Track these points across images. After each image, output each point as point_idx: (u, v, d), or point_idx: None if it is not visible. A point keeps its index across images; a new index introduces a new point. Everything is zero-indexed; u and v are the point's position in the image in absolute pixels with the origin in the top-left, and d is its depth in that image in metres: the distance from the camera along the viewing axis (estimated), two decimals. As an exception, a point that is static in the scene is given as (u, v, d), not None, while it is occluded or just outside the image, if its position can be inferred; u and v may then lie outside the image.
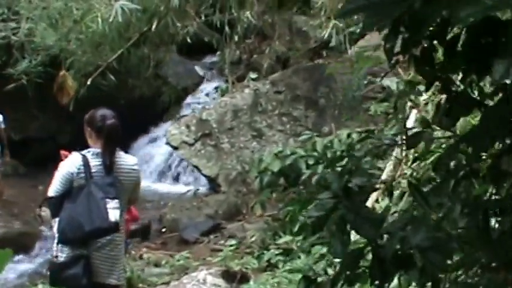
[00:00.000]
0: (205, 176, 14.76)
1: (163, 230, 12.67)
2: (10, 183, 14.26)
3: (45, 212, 12.25)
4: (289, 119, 14.69)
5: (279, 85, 14.93)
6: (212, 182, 14.66)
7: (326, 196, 2.49)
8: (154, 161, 17.01)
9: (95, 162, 5.61)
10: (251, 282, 8.18)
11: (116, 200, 5.54)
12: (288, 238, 10.06)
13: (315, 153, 10.44)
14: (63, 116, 16.95)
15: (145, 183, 16.32)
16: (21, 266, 11.73)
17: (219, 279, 8.28)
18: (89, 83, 12.44)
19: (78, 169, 5.55)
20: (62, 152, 5.95)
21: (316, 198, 2.62)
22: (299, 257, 9.45)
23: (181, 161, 16.28)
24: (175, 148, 14.95)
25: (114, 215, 5.49)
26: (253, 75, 15.74)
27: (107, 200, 5.49)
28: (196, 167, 14.80)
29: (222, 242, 11.70)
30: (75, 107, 15.74)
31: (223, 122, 14.77)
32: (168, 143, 15.22)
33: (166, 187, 16.34)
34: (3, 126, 13.97)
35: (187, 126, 14.85)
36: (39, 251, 12.31)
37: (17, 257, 11.85)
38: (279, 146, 13.90)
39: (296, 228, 9.97)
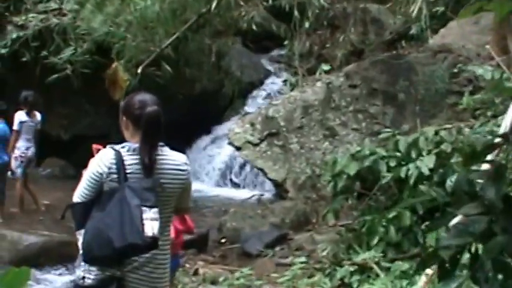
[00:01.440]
0: (271, 180, 13.79)
1: (223, 240, 11.64)
2: (56, 185, 13.32)
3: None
4: (365, 116, 13.68)
5: (354, 78, 13.91)
6: (279, 187, 13.67)
7: (473, 210, 1.36)
8: (214, 163, 16.10)
9: (131, 161, 4.60)
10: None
11: (155, 209, 4.47)
12: (364, 253, 8.96)
13: (398, 154, 9.38)
14: (116, 111, 16.17)
15: (205, 188, 15.59)
16: (62, 279, 10.87)
17: (285, 302, 7.24)
18: (139, 71, 11.59)
19: (110, 169, 4.55)
20: (95, 146, 4.96)
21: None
22: (377, 275, 8.47)
23: (245, 163, 15.30)
24: (238, 149, 13.99)
25: (151, 227, 4.43)
26: (325, 67, 14.64)
27: (144, 208, 4.43)
28: (261, 170, 13.81)
29: (289, 255, 10.61)
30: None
31: (291, 120, 13.80)
32: (230, 143, 14.24)
33: (227, 192, 15.44)
34: (39, 127, 13.11)
35: (252, 125, 13.88)
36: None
37: (58, 270, 11.11)
38: (353, 146, 12.92)
39: (375, 242, 8.87)
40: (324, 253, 9.38)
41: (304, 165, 13.46)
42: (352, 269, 8.66)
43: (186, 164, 4.80)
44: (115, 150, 4.60)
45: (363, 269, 8.75)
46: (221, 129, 16.80)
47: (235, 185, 15.82)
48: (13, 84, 15.89)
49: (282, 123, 13.80)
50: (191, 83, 16.29)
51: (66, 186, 14.66)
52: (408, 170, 8.92)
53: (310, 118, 13.78)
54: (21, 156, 12.83)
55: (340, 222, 10.59)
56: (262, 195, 14.24)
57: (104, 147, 4.83)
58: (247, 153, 13.90)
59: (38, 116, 13.14)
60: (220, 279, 8.85)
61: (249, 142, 13.81)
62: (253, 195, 14.30)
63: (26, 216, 13.11)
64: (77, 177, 14.57)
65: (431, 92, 13.42)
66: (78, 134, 16.73)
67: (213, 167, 15.95)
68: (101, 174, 4.54)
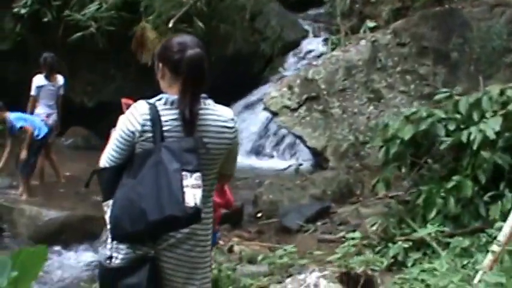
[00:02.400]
0: (310, 148, 12.89)
1: (259, 214, 10.82)
2: (79, 156, 12.60)
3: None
4: (414, 77, 12.76)
5: (402, 35, 12.98)
6: (318, 155, 12.82)
7: None
8: (249, 130, 15.23)
9: (168, 116, 3.86)
10: (381, 291, 6.22)
11: (198, 174, 3.74)
12: (419, 228, 8.10)
13: (457, 116, 8.50)
14: (144, 75, 15.41)
15: (238, 158, 14.71)
16: (85, 256, 10.26)
17: (335, 284, 6.33)
18: (170, 25, 10.75)
19: (143, 126, 3.82)
20: (124, 101, 4.29)
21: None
22: (433, 252, 7.67)
23: (282, 130, 14.44)
24: (275, 114, 13.16)
25: (193, 196, 3.68)
26: (370, 24, 13.65)
27: (184, 173, 3.69)
28: (299, 137, 12.97)
29: (332, 230, 9.78)
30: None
31: (333, 82, 12.93)
32: (266, 109, 13.37)
33: (261, 162, 14.61)
34: (62, 92, 12.26)
35: (290, 88, 13.03)
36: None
37: (80, 246, 10.45)
38: (401, 110, 12.07)
39: (432, 215, 7.99)
40: (374, 228, 8.49)
41: (347, 132, 12.62)
42: (406, 245, 7.82)
43: (233, 120, 4.01)
44: (149, 103, 3.85)
45: (419, 246, 7.93)
46: (255, 94, 15.93)
47: (270, 155, 14.96)
48: (34, 46, 15.16)
49: (323, 86, 12.92)
50: (225, 42, 15.43)
51: (90, 157, 13.80)
52: (470, 134, 8.03)
53: (353, 80, 12.88)
54: None
55: (389, 194, 9.70)
56: (300, 165, 13.39)
57: (135, 101, 4.09)
58: (284, 119, 13.06)
59: (60, 79, 12.34)
60: (259, 257, 7.99)
61: (287, 107, 12.98)
62: (290, 165, 13.47)
63: (46, 189, 12.35)
64: (102, 148, 13.92)
65: (488, 50, 12.49)
66: (103, 101, 15.87)
67: (246, 135, 15.07)
68: (132, 133, 3.82)
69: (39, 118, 11.89)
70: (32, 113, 11.98)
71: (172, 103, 3.83)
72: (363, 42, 13.14)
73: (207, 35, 12.94)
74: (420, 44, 12.77)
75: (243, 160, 14.33)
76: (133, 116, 3.81)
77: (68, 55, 12.98)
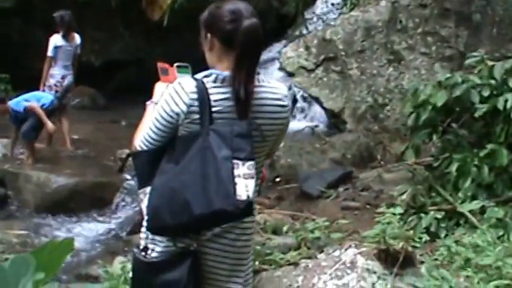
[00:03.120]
0: (326, 109, 12.57)
1: (277, 179, 10.45)
2: (86, 117, 12.19)
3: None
4: (436, 38, 12.37)
5: (423, -3, 12.52)
6: (335, 117, 12.49)
7: None
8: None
9: (219, 95, 3.43)
10: (423, 270, 5.90)
11: (251, 163, 3.33)
12: (450, 197, 7.85)
13: (492, 82, 8.15)
14: (154, 34, 15.12)
15: None
16: (95, 226, 9.76)
17: (374, 262, 6.05)
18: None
19: (190, 106, 3.39)
20: (160, 65, 3.86)
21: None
22: (466, 222, 7.42)
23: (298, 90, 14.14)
24: (291, 75, 12.81)
25: (246, 188, 3.26)
26: (390, -16, 13.26)
27: (236, 162, 3.30)
28: (316, 98, 12.67)
29: (355, 196, 9.52)
30: (170, 22, 13.90)
31: (351, 43, 12.57)
32: (281, 69, 13.04)
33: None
34: (79, 51, 11.88)
35: (307, 48, 12.70)
36: (119, 207, 10.23)
37: (91, 215, 9.97)
38: (421, 72, 11.79)
39: (467, 184, 7.73)
40: (404, 196, 8.21)
41: (365, 94, 12.29)
42: (439, 215, 7.54)
43: (287, 97, 3.61)
44: (197, 80, 3.42)
45: (451, 215, 7.66)
46: (271, 53, 15.54)
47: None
48: (39, 4, 14.74)
49: (341, 47, 12.57)
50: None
51: (97, 118, 13.77)
52: (506, 100, 7.74)
53: (372, 41, 12.50)
54: (55, 85, 11.67)
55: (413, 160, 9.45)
56: (316, 126, 13.09)
57: (171, 65, 3.81)
58: (300, 80, 12.75)
59: (77, 38, 11.94)
60: (284, 228, 7.66)
61: (303, 67, 12.66)
62: (305, 127, 13.13)
63: (53, 153, 11.83)
64: (109, 108, 13.39)
65: (511, 13, 12.13)
66: (110, 60, 15.55)
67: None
68: (177, 114, 3.40)
69: (54, 80, 11.58)
70: (47, 74, 11.60)
71: (223, 80, 3.40)
72: (382, 2, 12.74)
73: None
74: (442, 5, 12.35)
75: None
76: (179, 95, 3.39)
77: (74, 12, 12.58)
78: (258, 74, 3.45)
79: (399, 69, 12.26)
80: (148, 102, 3.73)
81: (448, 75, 8.44)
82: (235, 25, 3.37)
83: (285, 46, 14.38)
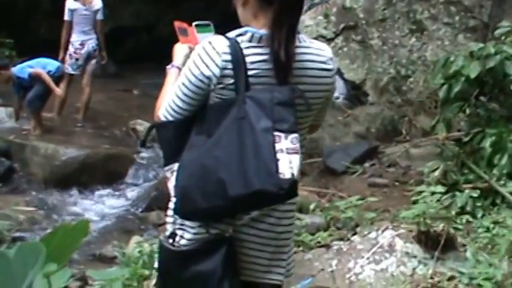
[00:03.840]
0: (347, 81, 12.18)
1: (300, 153, 10.03)
2: (96, 85, 11.65)
3: (142, 125, 10.01)
4: (459, 8, 11.94)
5: (447, -36, 12.08)
6: (357, 89, 12.08)
7: None
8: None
9: (256, 57, 2.95)
10: (468, 254, 5.59)
11: (295, 136, 2.83)
12: (484, 173, 7.55)
13: (525, 54, 7.69)
14: (164, -1, 14.74)
15: None
16: (108, 202, 9.33)
17: (413, 244, 5.73)
18: None
19: (223, 69, 2.92)
20: (177, 24, 3.35)
21: None
22: (503, 201, 7.11)
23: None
24: (310, 44, 12.35)
25: (289, 165, 2.79)
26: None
27: (278, 134, 2.82)
28: (336, 69, 12.22)
29: (382, 173, 9.16)
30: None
31: (372, 12, 12.14)
32: (299, 37, 12.64)
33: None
34: (101, 17, 11.38)
35: (326, 16, 12.27)
36: (134, 181, 9.79)
37: (103, 190, 9.51)
38: (445, 43, 11.41)
39: (503, 161, 7.41)
40: (436, 173, 7.88)
41: (387, 65, 11.84)
42: (474, 194, 7.22)
43: (332, 59, 3.10)
44: (230, 39, 2.93)
45: (486, 194, 7.35)
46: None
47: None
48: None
49: (361, 15, 12.14)
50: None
51: (107, 86, 13.23)
52: (545, 73, 7.43)
53: (394, 9, 12.05)
54: (75, 53, 11.19)
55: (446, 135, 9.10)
56: (337, 98, 12.71)
57: (189, 25, 3.28)
58: (319, 50, 12.34)
59: (97, 2, 11.34)
60: (311, 206, 7.32)
61: (322, 36, 12.18)
62: (326, 99, 12.72)
63: (62, 123, 11.24)
64: (120, 76, 12.88)
65: (539, -19, 11.74)
66: (119, 26, 15.02)
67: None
68: (208, 78, 2.92)
69: (73, 47, 11.16)
70: (67, 40, 11.12)
71: (260, 40, 2.92)
72: (405, -30, 12.38)
73: None
74: (465, -27, 12.01)
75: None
76: (209, 56, 2.90)
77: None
78: (299, 33, 2.98)
79: (422, 40, 11.85)
80: (169, 66, 3.25)
81: (481, 45, 8.07)
82: None
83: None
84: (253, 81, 2.90)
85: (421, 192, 6.29)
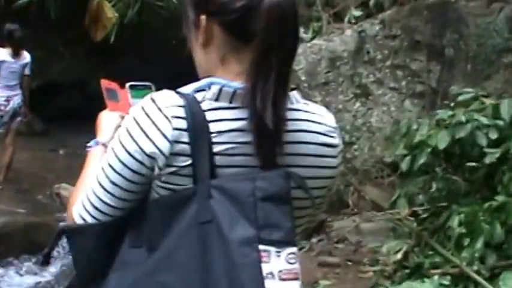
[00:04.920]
0: (287, 146, 11.04)
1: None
2: (21, 144, 10.33)
3: (67, 190, 8.71)
4: (406, 73, 10.98)
5: (392, 27, 11.21)
6: (297, 154, 10.96)
7: None
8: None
9: (225, 124, 1.84)
10: None
11: (292, 250, 1.79)
12: (452, 255, 6.50)
13: (499, 122, 6.77)
14: (96, 55, 13.51)
15: None
16: (25, 279, 7.96)
17: None
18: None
19: (174, 142, 1.81)
20: (105, 83, 2.37)
21: None
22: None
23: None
24: (247, 106, 11.24)
25: None
26: (356, 12, 11.86)
27: (265, 249, 1.73)
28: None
29: (331, 250, 8.04)
30: (116, 42, 12.38)
31: (315, 74, 11.09)
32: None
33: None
34: (27, 72, 10.09)
35: (266, 78, 11.13)
36: (55, 255, 8.32)
37: (20, 264, 8.15)
38: (391, 109, 10.48)
39: (479, 245, 6.29)
40: (399, 256, 6.76)
41: (331, 130, 10.81)
42: (446, 281, 6.11)
43: (336, 130, 2.05)
44: (185, 96, 1.85)
45: (457, 281, 6.26)
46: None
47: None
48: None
49: (303, 78, 11.11)
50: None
51: (33, 145, 11.97)
52: (517, 145, 6.48)
53: (338, 72, 11.05)
54: None
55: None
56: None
57: (121, 86, 2.33)
58: (258, 113, 11.25)
59: (26, 56, 10.22)
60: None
61: (261, 99, 11.14)
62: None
63: None
64: (46, 135, 11.48)
65: (486, 48, 10.90)
66: (48, 82, 13.79)
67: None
68: (150, 157, 1.83)
69: None
70: None
71: (232, 96, 1.86)
72: (348, 31, 11.38)
73: (169, 19, 11.01)
74: (412, 37, 11.08)
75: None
76: (152, 122, 1.83)
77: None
78: (292, 89, 1.96)
79: (367, 105, 10.89)
80: (90, 143, 2.19)
81: (450, 112, 7.05)
82: (251, 0, 1.87)
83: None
84: (222, 162, 1.84)
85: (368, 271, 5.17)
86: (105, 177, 1.89)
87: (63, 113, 13.46)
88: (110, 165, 1.87)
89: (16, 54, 9.92)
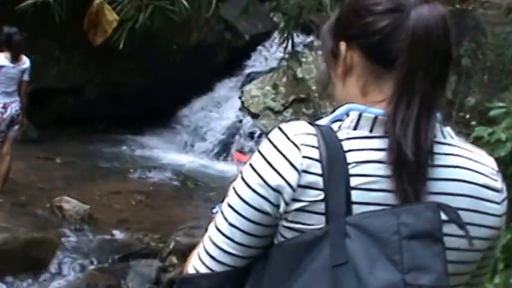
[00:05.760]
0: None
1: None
2: (16, 152, 9.57)
3: (69, 203, 8.05)
4: (421, 84, 10.44)
5: (407, 35, 10.66)
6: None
7: None
8: (213, 131, 12.78)
9: (365, 154, 1.53)
10: None
11: None
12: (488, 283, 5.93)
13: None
14: (93, 60, 12.86)
15: (203, 162, 12.47)
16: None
17: None
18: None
19: (304, 173, 1.50)
20: (238, 157, 2.42)
21: None
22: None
23: (253, 132, 12.09)
24: (255, 116, 10.76)
25: None
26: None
27: None
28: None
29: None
30: (111, 49, 11.74)
31: (326, 84, 10.52)
32: (245, 108, 11.00)
33: (231, 168, 12.11)
34: (26, 78, 9.40)
35: (275, 87, 10.66)
36: (59, 271, 7.62)
37: (21, 283, 7.36)
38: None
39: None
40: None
41: (342, 142, 10.30)
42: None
43: (498, 173, 1.65)
44: (316, 126, 1.56)
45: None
46: (221, 90, 13.53)
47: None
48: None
49: (314, 87, 10.61)
50: (187, 31, 12.94)
51: (27, 153, 11.15)
52: None
53: (349, 83, 10.58)
54: None
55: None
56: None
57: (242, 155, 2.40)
58: (266, 123, 10.80)
59: (26, 62, 9.50)
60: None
61: (270, 108, 10.68)
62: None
63: None
64: (42, 142, 10.62)
65: (505, 59, 10.44)
66: (44, 87, 13.14)
67: (211, 137, 12.68)
68: (276, 190, 1.50)
69: None
70: None
71: (373, 124, 1.57)
72: (360, 39, 10.93)
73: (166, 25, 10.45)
74: (428, 46, 10.66)
75: (208, 164, 12.10)
76: (279, 152, 1.55)
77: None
78: (442, 123, 1.65)
79: (380, 116, 10.38)
80: (217, 209, 1.79)
81: (490, 130, 6.49)
82: (395, 19, 1.62)
83: (245, 83, 12.35)
84: (359, 198, 1.55)
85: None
86: (224, 220, 1.62)
87: (57, 119, 12.81)
88: (230, 206, 1.61)
89: (15, 58, 9.25)
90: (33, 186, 9.72)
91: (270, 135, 1.57)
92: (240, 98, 11.38)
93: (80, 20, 11.97)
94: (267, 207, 1.54)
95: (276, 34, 14.84)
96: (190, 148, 13.15)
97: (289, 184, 1.51)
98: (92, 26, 12.41)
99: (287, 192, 1.51)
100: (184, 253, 7.61)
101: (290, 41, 9.53)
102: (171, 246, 7.63)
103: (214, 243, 1.62)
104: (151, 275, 7.20)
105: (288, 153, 1.53)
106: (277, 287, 1.55)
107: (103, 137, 13.26)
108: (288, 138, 1.55)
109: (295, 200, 1.51)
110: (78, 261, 7.65)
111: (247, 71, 14.17)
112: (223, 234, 1.61)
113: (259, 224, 1.58)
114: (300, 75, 10.67)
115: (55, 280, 7.49)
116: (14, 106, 9.20)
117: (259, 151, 1.57)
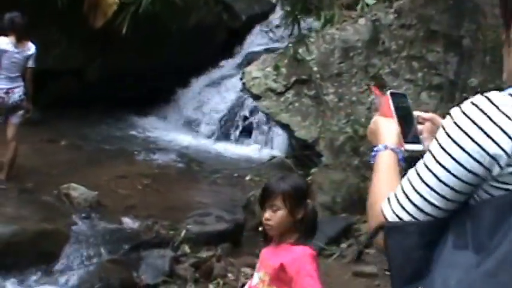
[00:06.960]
0: (298, 139, 10.23)
1: (260, 228, 8.02)
2: (18, 135, 9.22)
3: (77, 190, 7.79)
4: (422, 64, 10.10)
5: (407, 16, 10.34)
6: (308, 148, 10.15)
7: None
8: (213, 111, 12.52)
9: None
10: None
11: None
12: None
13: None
14: (94, 42, 12.54)
15: (201, 142, 12.21)
16: (40, 288, 6.85)
17: None
18: None
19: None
20: (374, 90, 2.56)
21: None
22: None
23: (252, 112, 11.86)
24: (257, 98, 10.48)
25: None
26: (370, 0, 11.02)
27: None
28: (286, 126, 10.28)
29: (365, 257, 7.22)
30: (112, 31, 11.49)
31: (327, 64, 10.28)
32: (246, 90, 10.73)
33: (231, 148, 12.06)
34: (31, 64, 9.08)
35: (276, 68, 10.35)
36: (69, 264, 7.14)
37: (31, 276, 6.91)
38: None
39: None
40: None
41: (344, 123, 9.91)
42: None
43: None
44: None
45: None
46: (223, 70, 13.24)
47: (239, 140, 12.35)
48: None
49: (315, 68, 10.30)
50: (187, 12, 12.62)
51: (30, 136, 10.67)
52: None
53: (351, 63, 10.21)
54: None
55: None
56: (286, 157, 10.80)
57: (381, 92, 2.41)
58: (268, 104, 10.41)
59: (31, 47, 9.13)
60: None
61: (271, 90, 10.37)
62: (273, 157, 10.83)
63: None
64: (44, 124, 10.18)
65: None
66: (44, 69, 12.67)
67: (211, 118, 12.42)
68: (492, 158, 1.72)
69: None
70: None
71: None
72: (362, 20, 10.54)
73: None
74: (428, 27, 10.23)
75: (208, 144, 11.90)
76: (493, 122, 1.72)
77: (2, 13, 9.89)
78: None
79: (382, 97, 10.04)
80: (379, 148, 2.16)
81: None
82: None
83: (243, 64, 12.05)
84: None
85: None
86: (433, 177, 1.79)
87: (59, 101, 12.46)
88: (441, 165, 1.78)
89: (19, 42, 8.93)
90: (39, 171, 9.35)
91: (477, 102, 1.73)
92: (241, 79, 11.07)
93: (80, 3, 11.70)
94: (480, 170, 1.72)
95: (272, 16, 14.59)
96: (192, 129, 12.91)
97: (505, 152, 1.68)
98: (92, 9, 12.14)
99: (503, 159, 1.69)
100: (195, 242, 7.40)
101: (296, 25, 9.28)
102: (182, 235, 7.35)
103: (422, 196, 1.79)
104: (164, 267, 6.87)
105: (503, 124, 1.69)
106: (485, 240, 1.68)
107: (106, 119, 12.99)
108: (499, 109, 1.70)
109: (509, 165, 1.69)
110: (89, 252, 7.21)
111: (245, 51, 13.91)
112: (430, 188, 1.78)
113: (467, 183, 1.74)
114: (300, 56, 10.38)
115: (66, 274, 7.02)
116: (18, 91, 8.90)
117: (469, 118, 1.72)
